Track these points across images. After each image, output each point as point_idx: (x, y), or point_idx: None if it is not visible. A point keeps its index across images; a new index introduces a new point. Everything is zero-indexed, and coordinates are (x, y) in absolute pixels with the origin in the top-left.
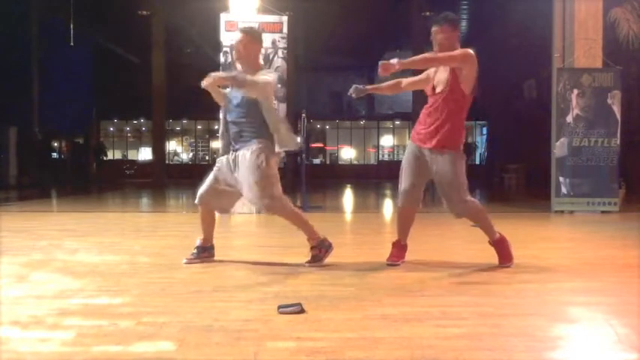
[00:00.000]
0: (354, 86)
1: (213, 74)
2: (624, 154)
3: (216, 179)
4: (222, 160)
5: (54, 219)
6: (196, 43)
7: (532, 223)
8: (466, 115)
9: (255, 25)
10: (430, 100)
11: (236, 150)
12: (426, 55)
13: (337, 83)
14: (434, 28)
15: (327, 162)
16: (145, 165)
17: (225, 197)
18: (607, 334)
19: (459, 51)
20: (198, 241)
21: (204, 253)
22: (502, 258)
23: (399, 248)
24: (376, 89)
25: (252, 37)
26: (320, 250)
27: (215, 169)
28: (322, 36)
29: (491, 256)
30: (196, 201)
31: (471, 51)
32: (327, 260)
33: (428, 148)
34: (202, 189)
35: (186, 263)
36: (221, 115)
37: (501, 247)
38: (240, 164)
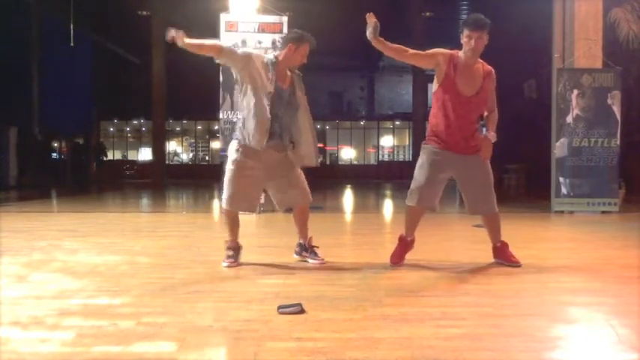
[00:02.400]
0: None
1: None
2: (624, 155)
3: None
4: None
5: (54, 219)
6: None
7: (532, 224)
8: None
9: (256, 26)
10: (456, 103)
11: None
12: (404, 49)
13: (337, 83)
14: (477, 33)
15: (327, 162)
16: (145, 165)
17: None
18: (607, 334)
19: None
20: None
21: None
22: (510, 258)
23: (405, 246)
24: (382, 43)
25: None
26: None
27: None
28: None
29: (491, 257)
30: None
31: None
32: (327, 260)
33: (463, 153)
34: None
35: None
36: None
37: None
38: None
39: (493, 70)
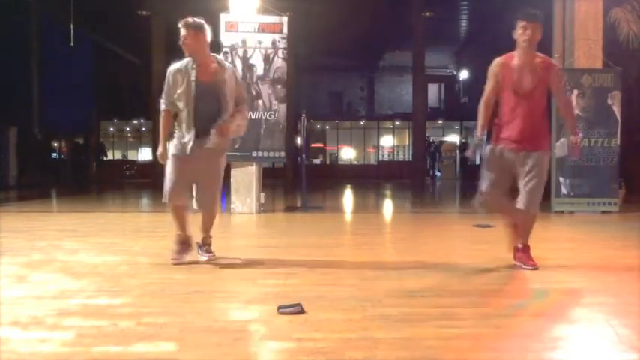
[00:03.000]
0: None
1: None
2: (624, 155)
3: None
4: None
5: (54, 219)
6: None
7: None
8: None
9: (256, 26)
10: (518, 100)
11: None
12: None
13: (337, 83)
14: (532, 24)
15: (327, 162)
16: (145, 165)
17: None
18: (607, 334)
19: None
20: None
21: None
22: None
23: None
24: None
25: (197, 29)
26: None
27: None
28: (322, 36)
29: (491, 257)
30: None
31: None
32: (327, 260)
33: (530, 150)
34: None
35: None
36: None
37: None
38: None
39: (554, 63)
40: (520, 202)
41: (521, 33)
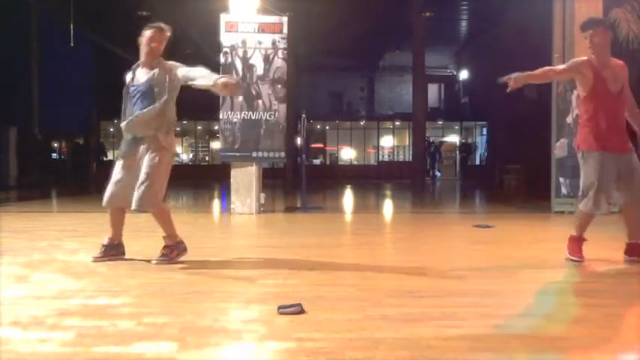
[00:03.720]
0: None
1: None
2: None
3: None
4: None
5: (54, 219)
6: (196, 44)
7: (532, 224)
8: None
9: (256, 26)
10: (612, 101)
11: None
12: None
13: (337, 83)
14: (586, 32)
15: (327, 162)
16: None
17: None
18: (607, 334)
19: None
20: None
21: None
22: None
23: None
24: (527, 77)
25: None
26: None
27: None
28: (322, 36)
29: (491, 257)
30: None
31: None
32: (327, 260)
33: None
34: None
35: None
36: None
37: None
38: None
39: (623, 64)
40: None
41: (587, 44)
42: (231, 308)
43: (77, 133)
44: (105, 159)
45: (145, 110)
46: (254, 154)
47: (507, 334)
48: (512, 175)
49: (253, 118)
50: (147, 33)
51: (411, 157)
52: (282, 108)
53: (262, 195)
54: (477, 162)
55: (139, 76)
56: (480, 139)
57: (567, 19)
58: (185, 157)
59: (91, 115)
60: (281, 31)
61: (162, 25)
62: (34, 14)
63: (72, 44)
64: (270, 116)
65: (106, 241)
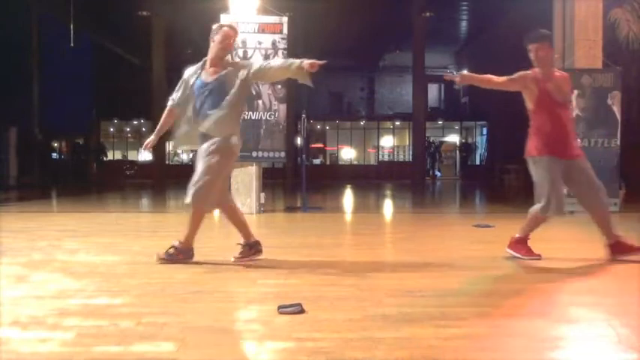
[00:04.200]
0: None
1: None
2: (624, 155)
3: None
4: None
5: (54, 219)
6: (197, 44)
7: None
8: None
9: (256, 26)
10: (559, 111)
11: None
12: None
13: (337, 84)
14: (533, 46)
15: (327, 162)
16: (145, 165)
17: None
18: (607, 334)
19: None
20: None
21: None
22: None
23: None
24: (470, 78)
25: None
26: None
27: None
28: (322, 36)
29: (491, 257)
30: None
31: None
32: (327, 260)
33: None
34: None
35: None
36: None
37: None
38: None
39: (567, 75)
40: None
41: (531, 56)
42: (231, 308)
43: (77, 133)
44: (105, 159)
45: (222, 111)
46: (254, 154)
47: (507, 334)
48: (512, 174)
49: (253, 118)
50: (221, 31)
51: (411, 157)
52: (282, 108)
53: (262, 195)
54: (477, 162)
55: (208, 74)
56: (480, 139)
57: (567, 19)
58: (185, 157)
59: (91, 115)
60: (281, 32)
61: (234, 24)
62: (34, 14)
63: (72, 44)
64: (270, 116)
65: (242, 241)
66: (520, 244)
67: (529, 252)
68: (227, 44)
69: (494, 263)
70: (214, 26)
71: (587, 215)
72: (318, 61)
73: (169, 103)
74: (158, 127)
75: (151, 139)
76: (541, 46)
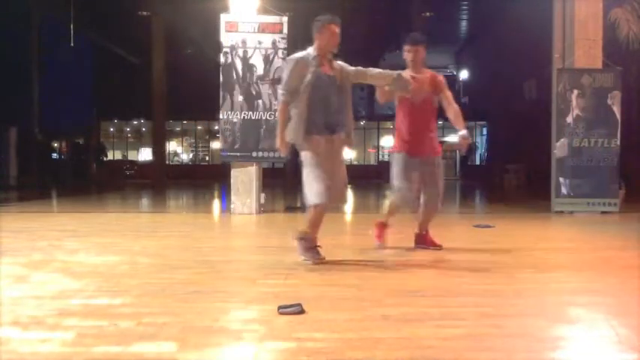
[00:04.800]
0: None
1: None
2: (624, 155)
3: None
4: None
5: (54, 219)
6: (196, 44)
7: (532, 224)
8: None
9: (256, 26)
10: (416, 110)
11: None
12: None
13: None
14: (414, 47)
15: None
16: (145, 165)
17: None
18: (607, 334)
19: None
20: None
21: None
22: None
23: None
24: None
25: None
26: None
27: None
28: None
29: (491, 257)
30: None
31: None
32: (327, 260)
33: (429, 156)
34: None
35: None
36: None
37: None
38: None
39: (439, 76)
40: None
41: (405, 55)
42: (231, 308)
43: (77, 133)
44: (105, 159)
45: (349, 110)
46: (254, 154)
47: (507, 334)
48: (512, 174)
49: (253, 118)
50: (333, 26)
51: None
52: None
53: (262, 195)
54: (477, 162)
55: (326, 69)
56: (480, 139)
57: (567, 19)
58: (185, 157)
59: (91, 115)
60: (281, 31)
61: (335, 18)
62: (34, 14)
63: (72, 44)
64: (270, 116)
65: (304, 242)
66: (379, 228)
67: (380, 237)
68: (336, 40)
69: (495, 263)
70: (317, 21)
71: (586, 215)
72: (413, 76)
73: (284, 98)
74: (281, 127)
75: (281, 142)
76: (420, 49)
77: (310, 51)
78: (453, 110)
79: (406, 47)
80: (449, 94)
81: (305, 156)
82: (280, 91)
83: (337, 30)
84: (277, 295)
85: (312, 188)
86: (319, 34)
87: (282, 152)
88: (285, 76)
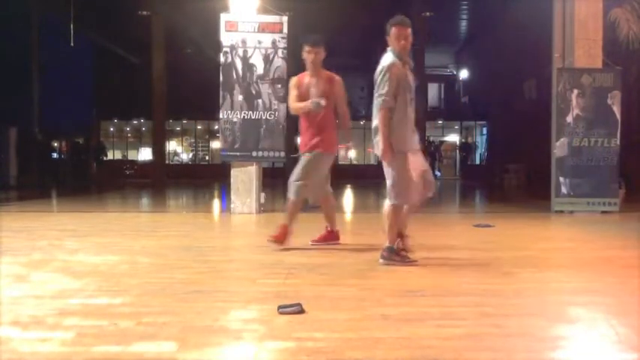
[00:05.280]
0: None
1: None
2: (624, 155)
3: None
4: None
5: (54, 219)
6: (196, 44)
7: (532, 223)
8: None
9: (256, 25)
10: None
11: None
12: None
13: None
14: (315, 49)
15: None
16: (144, 165)
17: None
18: (607, 334)
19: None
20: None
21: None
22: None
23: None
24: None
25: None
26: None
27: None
28: (322, 36)
29: (491, 257)
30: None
31: None
32: (327, 260)
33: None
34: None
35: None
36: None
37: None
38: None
39: (336, 77)
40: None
41: (305, 56)
42: (231, 308)
43: (77, 133)
44: (105, 159)
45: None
46: (254, 154)
47: (507, 333)
48: (512, 174)
49: (253, 117)
50: (395, 29)
51: None
52: (282, 107)
53: (262, 195)
54: (477, 162)
55: (408, 72)
56: (480, 139)
57: (567, 19)
58: (185, 156)
59: (91, 115)
60: (281, 31)
61: (404, 19)
62: (34, 14)
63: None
64: (270, 116)
65: (395, 245)
66: (281, 229)
67: (283, 237)
68: (400, 42)
69: (495, 263)
70: (391, 24)
71: (586, 215)
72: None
73: (386, 104)
74: (386, 134)
75: (389, 149)
76: (320, 50)
77: (392, 55)
78: (341, 111)
79: (306, 48)
80: (342, 95)
81: (401, 159)
82: (382, 98)
83: (401, 31)
84: (277, 295)
85: (406, 190)
86: (388, 38)
87: (387, 159)
88: (383, 82)
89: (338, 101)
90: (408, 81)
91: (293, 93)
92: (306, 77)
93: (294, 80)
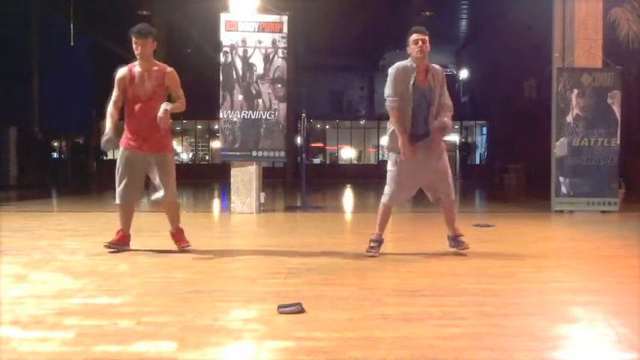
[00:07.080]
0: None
1: None
2: (624, 154)
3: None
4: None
5: (54, 219)
6: (196, 43)
7: (532, 223)
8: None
9: (256, 25)
10: (143, 105)
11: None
12: None
13: (337, 83)
14: (141, 40)
15: (327, 162)
16: None
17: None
18: (607, 334)
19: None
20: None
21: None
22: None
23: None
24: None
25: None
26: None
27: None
28: (322, 36)
29: (491, 257)
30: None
31: None
32: (327, 260)
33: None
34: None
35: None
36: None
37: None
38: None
39: (170, 69)
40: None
41: (135, 48)
42: (231, 307)
43: (77, 133)
44: (105, 158)
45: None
46: (254, 154)
47: (507, 333)
48: (512, 174)
49: (253, 117)
50: (413, 37)
51: None
52: (282, 107)
53: (262, 194)
54: (477, 161)
55: (420, 78)
56: (480, 139)
57: (567, 19)
58: (185, 156)
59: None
60: (281, 31)
61: (420, 29)
62: (34, 14)
63: (72, 44)
64: (270, 115)
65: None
66: (178, 234)
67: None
68: (416, 49)
69: (494, 262)
70: (410, 32)
71: (586, 215)
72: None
73: (394, 104)
74: (401, 130)
75: (408, 146)
76: (147, 42)
77: (408, 60)
78: (179, 103)
79: (133, 39)
80: (176, 85)
81: (398, 162)
82: (387, 99)
83: (416, 37)
84: (277, 295)
85: (395, 192)
86: (408, 47)
87: (408, 156)
88: (387, 84)
89: (172, 91)
90: (417, 85)
91: (116, 93)
92: (136, 67)
93: (122, 72)
